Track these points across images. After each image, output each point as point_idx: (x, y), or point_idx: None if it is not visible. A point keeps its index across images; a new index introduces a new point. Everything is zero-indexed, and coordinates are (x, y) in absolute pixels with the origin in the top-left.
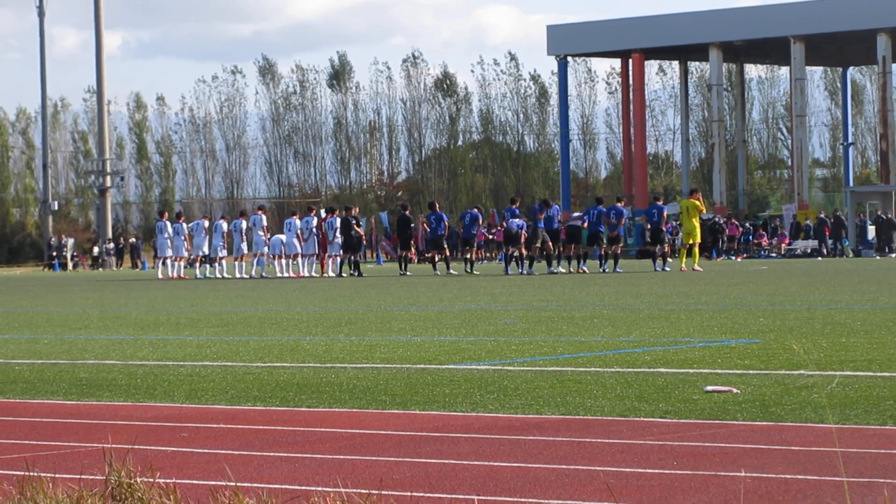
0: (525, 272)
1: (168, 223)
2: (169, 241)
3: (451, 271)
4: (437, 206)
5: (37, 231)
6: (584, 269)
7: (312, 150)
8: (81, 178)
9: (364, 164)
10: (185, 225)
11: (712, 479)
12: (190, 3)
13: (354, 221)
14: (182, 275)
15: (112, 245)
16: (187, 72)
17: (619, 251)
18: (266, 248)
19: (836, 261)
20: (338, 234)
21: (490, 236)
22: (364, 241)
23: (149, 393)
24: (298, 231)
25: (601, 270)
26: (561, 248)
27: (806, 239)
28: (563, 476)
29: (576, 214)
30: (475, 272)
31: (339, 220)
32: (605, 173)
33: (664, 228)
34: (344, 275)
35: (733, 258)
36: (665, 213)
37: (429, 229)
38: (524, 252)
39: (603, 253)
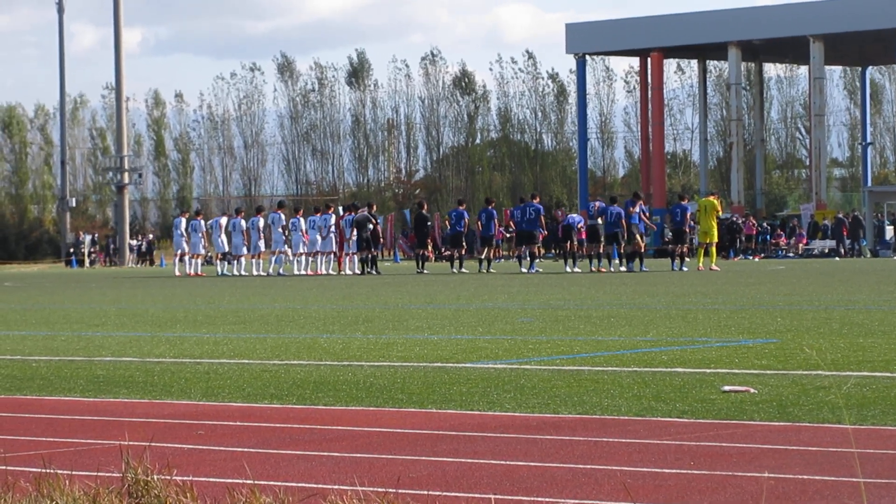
0: (530, 271)
1: (184, 220)
2: (185, 238)
3: (464, 269)
4: (463, 203)
5: (54, 228)
6: (602, 268)
7: (330, 148)
8: (99, 175)
9: (382, 162)
10: (202, 222)
11: (730, 480)
12: (209, 0)
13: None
14: (200, 272)
15: (135, 242)
16: (206, 69)
17: (642, 249)
18: (285, 246)
19: (854, 261)
20: (355, 231)
21: (508, 234)
22: (382, 240)
23: (166, 390)
24: (319, 228)
25: (622, 269)
26: (577, 248)
27: (823, 239)
28: (580, 475)
29: (571, 216)
30: (492, 270)
31: (352, 217)
32: (622, 172)
33: (686, 228)
34: (371, 272)
35: (751, 258)
36: (688, 214)
37: (448, 226)
38: (539, 251)
39: (622, 252)
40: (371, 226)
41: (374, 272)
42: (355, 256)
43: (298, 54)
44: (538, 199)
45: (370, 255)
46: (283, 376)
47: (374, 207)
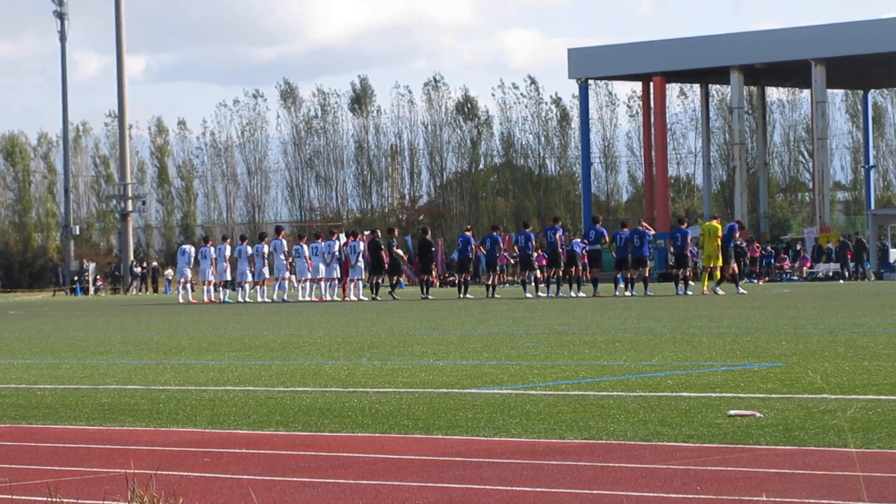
0: (545, 295)
1: (192, 247)
2: (189, 265)
3: (469, 295)
4: (471, 229)
5: (58, 255)
6: (599, 292)
7: (334, 174)
8: (103, 203)
9: (385, 188)
10: (212, 248)
11: None
12: (212, 27)
13: (395, 244)
14: (213, 298)
15: (139, 269)
16: (209, 96)
17: (647, 274)
18: (287, 272)
19: (858, 284)
20: (360, 258)
21: (512, 260)
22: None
23: (171, 418)
24: (323, 254)
25: (626, 294)
26: (580, 272)
27: (828, 262)
28: (586, 501)
29: (577, 241)
30: (496, 296)
31: (361, 243)
32: (626, 196)
33: (688, 252)
34: (375, 297)
35: (755, 281)
36: (689, 238)
37: (457, 251)
38: (542, 276)
39: (629, 277)
40: (395, 253)
41: (377, 298)
42: (360, 282)
43: (301, 81)
44: (560, 223)
45: (390, 279)
46: (289, 403)
47: (396, 232)
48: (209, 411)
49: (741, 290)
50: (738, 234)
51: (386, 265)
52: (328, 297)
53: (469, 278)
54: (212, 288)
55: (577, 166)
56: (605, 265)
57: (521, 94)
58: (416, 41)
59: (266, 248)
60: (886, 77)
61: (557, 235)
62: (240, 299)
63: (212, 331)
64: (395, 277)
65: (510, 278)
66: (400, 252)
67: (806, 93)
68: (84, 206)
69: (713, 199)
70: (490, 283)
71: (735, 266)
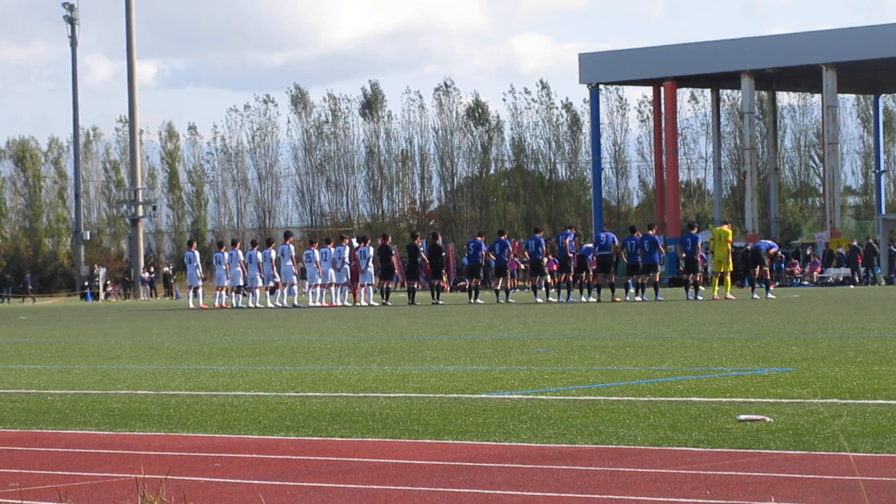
0: (555, 300)
1: (197, 253)
2: (198, 271)
3: (479, 300)
4: (482, 235)
5: (69, 261)
6: (616, 297)
7: (344, 179)
8: (113, 208)
9: (396, 193)
10: (226, 254)
11: None
12: (223, 32)
13: (423, 249)
14: (224, 304)
15: (149, 274)
16: (219, 101)
17: (658, 279)
18: (295, 278)
19: (869, 289)
20: (370, 263)
21: (522, 265)
22: (396, 271)
23: (181, 423)
24: (333, 260)
25: (637, 299)
26: (590, 278)
27: (838, 267)
28: None
29: (587, 246)
30: (510, 300)
31: (371, 249)
32: (637, 201)
33: (698, 258)
34: (386, 303)
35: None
36: (699, 243)
37: (467, 256)
38: (552, 281)
39: (640, 282)
40: (420, 258)
41: (388, 303)
42: (370, 288)
43: (312, 86)
44: (574, 230)
45: (394, 285)
46: (299, 408)
47: (419, 239)
48: (219, 416)
49: (770, 295)
50: (772, 251)
51: (396, 270)
52: (338, 303)
53: (480, 283)
54: (223, 293)
55: (587, 171)
56: (619, 271)
57: (532, 99)
58: (426, 46)
59: (273, 254)
60: None
61: (567, 240)
62: (251, 304)
63: (222, 336)
64: (414, 283)
65: (521, 283)
66: (425, 258)
67: (817, 97)
68: (95, 211)
69: (724, 204)
70: (499, 287)
71: (768, 270)
